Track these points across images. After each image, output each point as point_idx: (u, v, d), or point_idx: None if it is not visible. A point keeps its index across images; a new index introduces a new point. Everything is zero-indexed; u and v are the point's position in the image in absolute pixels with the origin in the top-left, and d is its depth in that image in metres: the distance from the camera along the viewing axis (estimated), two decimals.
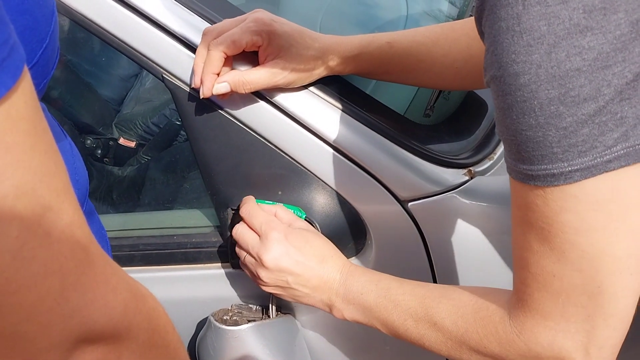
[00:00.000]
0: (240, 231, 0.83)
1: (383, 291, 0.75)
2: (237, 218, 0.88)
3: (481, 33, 0.54)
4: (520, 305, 0.61)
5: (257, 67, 0.81)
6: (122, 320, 0.48)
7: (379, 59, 0.86)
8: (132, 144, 1.84)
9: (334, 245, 0.83)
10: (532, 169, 0.52)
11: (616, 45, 0.46)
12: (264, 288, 0.82)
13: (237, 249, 0.85)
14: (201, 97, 0.80)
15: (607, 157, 0.48)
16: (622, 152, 0.48)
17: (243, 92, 0.81)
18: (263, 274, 0.80)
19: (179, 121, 1.80)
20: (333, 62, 0.85)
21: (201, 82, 0.80)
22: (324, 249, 0.81)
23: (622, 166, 0.49)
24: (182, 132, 1.81)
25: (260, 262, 0.79)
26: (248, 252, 0.82)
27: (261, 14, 0.81)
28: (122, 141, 1.83)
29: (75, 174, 0.66)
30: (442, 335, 0.69)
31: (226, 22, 0.82)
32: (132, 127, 1.87)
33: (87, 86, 1.86)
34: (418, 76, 0.91)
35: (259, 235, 0.81)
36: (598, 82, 0.46)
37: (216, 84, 0.80)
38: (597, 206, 0.51)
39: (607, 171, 0.49)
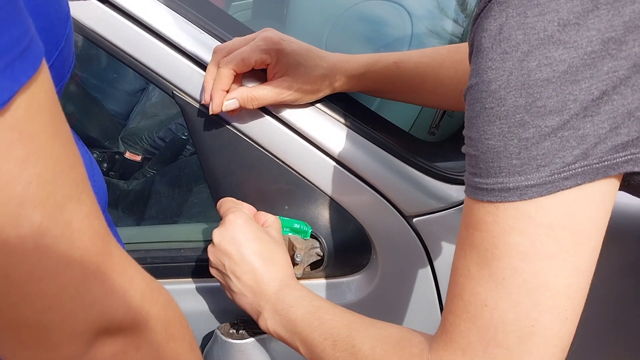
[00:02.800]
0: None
1: (313, 308, 0.72)
2: None
3: (470, 50, 0.54)
4: (442, 337, 0.56)
5: (265, 84, 0.83)
6: (140, 310, 0.49)
7: (385, 78, 0.88)
8: (138, 158, 1.86)
9: (290, 263, 0.82)
10: (487, 182, 0.50)
11: (586, 61, 0.46)
12: (210, 270, 0.83)
13: None
14: (210, 113, 0.82)
15: (565, 174, 0.48)
16: (579, 170, 0.47)
17: (251, 107, 0.82)
18: (210, 249, 0.81)
19: (184, 135, 1.82)
20: (340, 81, 0.86)
21: (210, 99, 0.82)
22: (275, 255, 0.80)
23: (578, 184, 0.48)
24: (188, 147, 1.82)
25: (212, 237, 0.81)
26: None
27: (270, 33, 0.82)
28: (128, 155, 1.85)
29: (94, 186, 0.68)
30: None
31: (236, 40, 0.84)
32: (138, 141, 1.88)
33: (93, 100, 1.88)
34: (423, 96, 0.92)
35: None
36: (565, 95, 0.47)
37: (225, 101, 0.81)
38: (549, 231, 0.49)
39: (563, 189, 0.48)
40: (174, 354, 0.55)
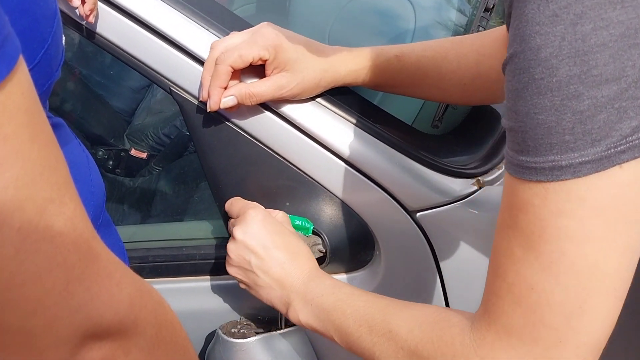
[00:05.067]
0: (230, 223, 0.85)
1: (344, 296, 0.72)
2: None
3: (508, 17, 0.50)
4: (485, 317, 0.55)
5: (264, 80, 0.81)
6: (129, 314, 0.48)
7: (386, 72, 0.86)
8: (144, 155, 1.85)
9: (312, 255, 0.81)
10: (537, 161, 0.47)
11: None
12: (229, 269, 0.81)
13: None
14: (208, 110, 0.81)
15: (622, 147, 0.44)
16: (637, 142, 0.44)
17: (249, 104, 0.81)
18: (231, 248, 0.79)
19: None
20: (340, 75, 0.85)
21: (208, 96, 0.80)
22: (298, 248, 0.80)
23: (635, 157, 0.45)
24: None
25: (232, 235, 0.80)
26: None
27: (268, 28, 0.81)
28: (133, 152, 1.85)
29: (91, 186, 0.67)
30: (394, 345, 0.64)
31: (233, 35, 0.82)
32: (143, 138, 1.88)
33: (98, 98, 1.88)
34: (425, 90, 0.91)
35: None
36: (623, 61, 0.43)
37: (223, 98, 0.80)
38: (600, 212, 0.47)
39: (619, 164, 0.45)
40: (166, 358, 0.54)
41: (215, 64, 0.79)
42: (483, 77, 0.85)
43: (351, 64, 0.85)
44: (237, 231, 0.79)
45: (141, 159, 1.85)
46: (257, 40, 0.79)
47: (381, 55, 0.86)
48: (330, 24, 1.33)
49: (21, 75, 0.38)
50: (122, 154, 1.83)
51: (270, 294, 0.78)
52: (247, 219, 0.79)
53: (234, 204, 0.85)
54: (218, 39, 0.85)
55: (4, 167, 0.37)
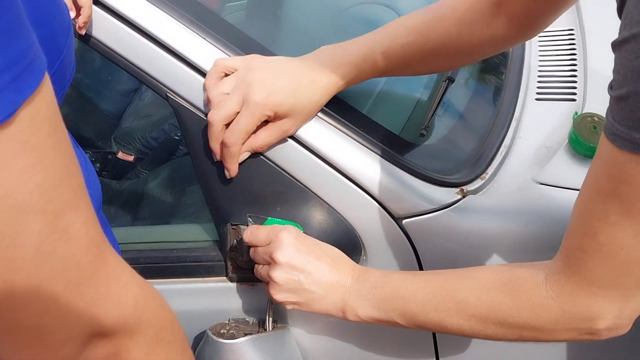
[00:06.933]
0: (252, 250, 0.86)
1: (398, 282, 0.76)
2: (237, 234, 0.91)
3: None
4: (565, 270, 0.62)
5: (269, 128, 0.85)
6: (133, 314, 0.50)
7: (375, 72, 0.88)
8: (131, 158, 1.86)
9: (345, 255, 0.84)
10: None
11: None
12: (276, 296, 0.81)
13: (254, 270, 0.87)
14: (228, 177, 0.87)
15: None
16: None
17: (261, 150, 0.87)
18: (276, 274, 0.79)
19: (177, 136, 1.83)
20: (333, 93, 0.88)
21: (227, 168, 0.86)
22: (334, 251, 0.83)
23: None
24: (181, 147, 1.83)
25: (272, 261, 0.80)
26: (261, 262, 0.84)
27: (256, 89, 0.82)
28: (120, 155, 1.85)
29: (89, 187, 0.69)
30: (464, 314, 0.70)
31: (224, 83, 0.85)
32: (131, 141, 1.89)
33: (87, 100, 1.88)
34: (412, 72, 0.94)
35: (269, 243, 0.83)
36: None
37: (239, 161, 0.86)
38: None
39: None
40: (165, 357, 0.56)
41: (226, 145, 0.83)
42: (466, 45, 0.87)
43: (341, 81, 0.87)
44: (278, 255, 0.80)
45: (128, 162, 1.86)
46: (254, 112, 0.82)
47: (368, 58, 0.86)
48: (321, 34, 1.36)
49: (47, 88, 0.40)
50: (109, 156, 1.84)
51: (324, 304, 0.80)
52: (283, 241, 0.80)
53: (257, 233, 0.85)
54: (212, 46, 0.88)
55: (30, 174, 0.39)
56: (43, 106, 0.40)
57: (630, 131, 0.51)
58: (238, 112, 0.82)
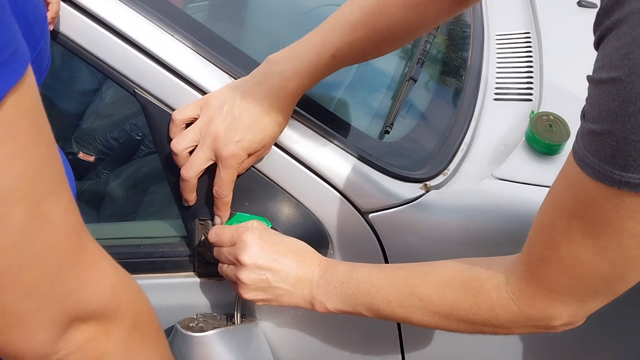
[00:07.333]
0: (216, 250, 0.87)
1: (364, 277, 0.78)
2: (205, 230, 0.92)
3: (602, 35, 0.53)
4: (527, 275, 0.65)
5: (249, 159, 0.86)
6: (111, 301, 0.51)
7: (328, 72, 0.88)
8: (92, 159, 1.84)
9: (312, 248, 0.85)
10: (624, 175, 0.52)
11: None
12: (246, 295, 0.82)
13: (219, 269, 0.88)
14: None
15: None
16: None
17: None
18: (243, 275, 0.81)
19: (138, 136, 1.82)
20: (295, 103, 0.88)
21: (217, 215, 0.91)
22: (299, 246, 0.84)
23: None
24: (142, 147, 1.82)
25: (239, 263, 0.81)
26: (227, 262, 0.85)
27: (224, 149, 0.83)
28: (81, 155, 1.83)
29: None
30: (428, 311, 0.73)
31: (188, 107, 0.87)
32: (91, 141, 1.87)
33: (47, 100, 1.84)
34: (359, 61, 0.95)
35: (234, 244, 0.84)
36: None
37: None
38: None
39: None
40: (141, 342, 0.57)
41: (219, 198, 0.88)
42: (412, 27, 0.88)
43: (299, 91, 0.86)
44: (244, 256, 0.81)
45: (89, 162, 1.84)
46: (232, 164, 0.84)
47: (319, 65, 0.85)
48: (285, 35, 1.38)
49: (30, 77, 0.41)
50: (70, 157, 1.82)
51: (293, 298, 0.82)
52: (247, 242, 0.81)
53: (221, 233, 0.86)
54: (180, 43, 0.89)
55: (13, 161, 0.39)
56: (27, 95, 0.40)
57: (601, 163, 0.53)
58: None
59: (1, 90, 0.37)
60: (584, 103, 0.57)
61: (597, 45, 0.54)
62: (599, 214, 0.56)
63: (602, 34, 0.52)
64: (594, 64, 0.54)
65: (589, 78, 0.54)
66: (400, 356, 1.05)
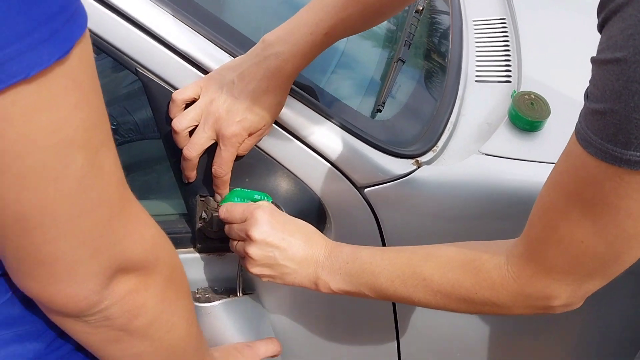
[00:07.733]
0: (227, 227, 0.89)
1: (368, 258, 0.81)
2: (205, 206, 0.94)
3: (606, 16, 0.53)
4: (526, 255, 0.68)
5: (250, 139, 0.89)
6: (152, 252, 0.54)
7: (320, 51, 0.90)
8: None
9: (319, 231, 0.88)
10: (625, 153, 0.52)
11: None
12: (252, 269, 0.85)
13: (230, 245, 0.90)
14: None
15: None
16: None
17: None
18: (252, 250, 0.83)
19: (113, 125, 1.80)
20: (292, 81, 0.90)
21: (217, 193, 0.93)
22: (307, 228, 0.87)
23: None
24: (116, 137, 1.80)
25: (248, 239, 0.83)
26: (237, 239, 0.87)
27: (227, 129, 0.86)
28: None
29: None
30: (430, 290, 0.75)
31: (189, 88, 0.89)
32: None
33: None
34: (350, 35, 0.97)
35: (245, 221, 0.86)
36: None
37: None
38: None
39: None
40: (176, 295, 0.60)
41: (217, 177, 0.90)
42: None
43: (296, 72, 0.89)
44: (254, 232, 0.83)
45: None
46: (234, 143, 0.87)
47: (314, 44, 0.87)
48: (265, 21, 1.40)
49: (87, 32, 0.43)
50: None
51: (297, 277, 0.84)
52: (258, 219, 0.84)
53: (232, 210, 0.88)
54: (180, 22, 0.91)
55: (77, 109, 0.42)
56: (88, 48, 0.43)
57: (603, 142, 0.54)
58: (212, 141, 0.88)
59: (69, 41, 0.40)
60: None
61: (601, 27, 0.56)
62: (598, 193, 0.57)
63: (606, 17, 0.53)
64: (598, 46, 0.56)
65: (592, 59, 0.56)
66: (394, 331, 1.09)
